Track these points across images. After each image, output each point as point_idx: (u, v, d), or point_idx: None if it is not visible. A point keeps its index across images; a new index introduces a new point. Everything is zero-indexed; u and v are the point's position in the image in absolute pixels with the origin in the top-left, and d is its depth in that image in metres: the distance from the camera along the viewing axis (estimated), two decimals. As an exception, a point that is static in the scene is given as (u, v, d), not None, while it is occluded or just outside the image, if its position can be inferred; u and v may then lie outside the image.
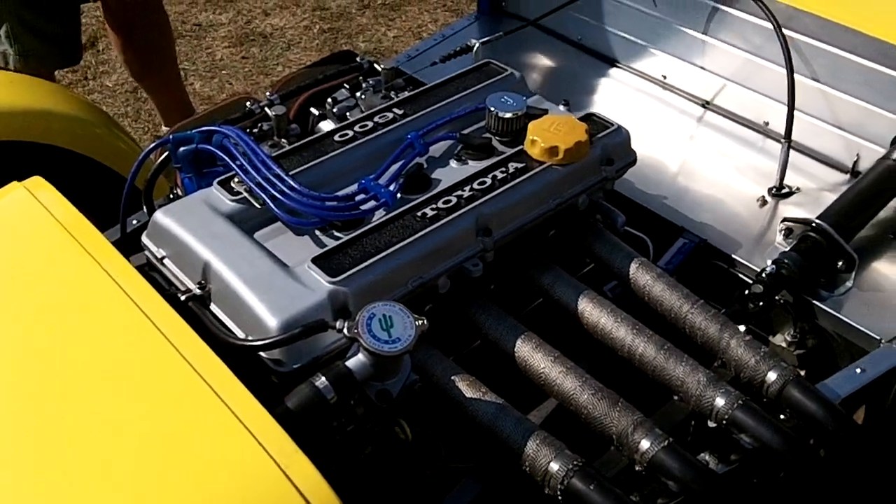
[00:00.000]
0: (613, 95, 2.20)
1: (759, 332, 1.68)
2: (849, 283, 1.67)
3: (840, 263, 1.66)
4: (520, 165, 1.58)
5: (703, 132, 2.09)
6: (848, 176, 1.94)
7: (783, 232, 1.72)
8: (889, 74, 1.83)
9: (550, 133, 1.59)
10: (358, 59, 1.96)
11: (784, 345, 1.69)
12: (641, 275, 1.59)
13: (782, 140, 1.88)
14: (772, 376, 1.44)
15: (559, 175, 1.59)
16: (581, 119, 1.68)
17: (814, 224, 1.67)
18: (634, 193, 1.85)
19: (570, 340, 1.55)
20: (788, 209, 1.86)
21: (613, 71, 2.27)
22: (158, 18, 3.11)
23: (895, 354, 1.55)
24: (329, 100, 1.87)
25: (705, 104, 2.14)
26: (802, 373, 1.65)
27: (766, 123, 2.04)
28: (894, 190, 1.81)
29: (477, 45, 2.08)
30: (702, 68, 2.13)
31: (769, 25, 1.91)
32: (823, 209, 1.73)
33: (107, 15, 3.05)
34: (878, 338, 1.58)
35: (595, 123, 1.69)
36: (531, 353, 1.46)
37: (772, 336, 1.71)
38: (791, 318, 1.67)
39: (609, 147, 1.66)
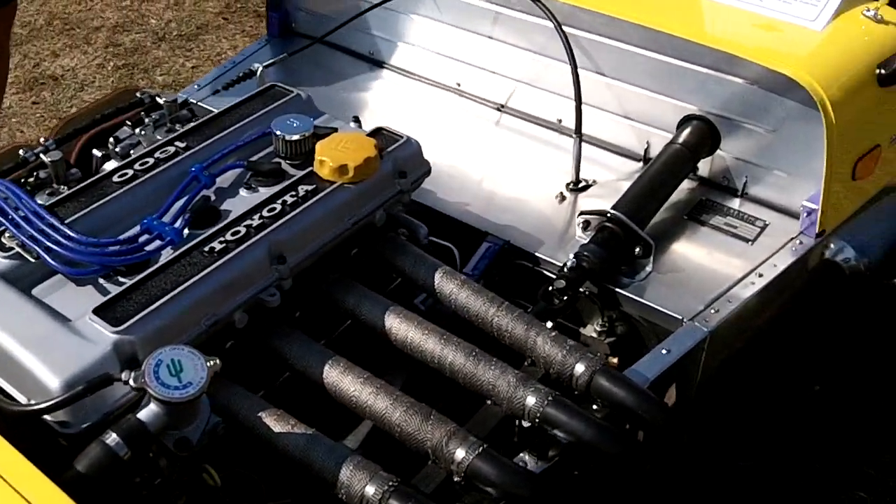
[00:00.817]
0: (409, 107, 2.19)
1: (570, 326, 1.71)
2: (648, 268, 1.72)
3: (638, 250, 1.71)
4: (310, 188, 1.54)
5: (501, 135, 2.12)
6: (641, 163, 2.00)
7: (581, 225, 1.75)
8: (670, 63, 1.89)
9: (339, 151, 1.57)
10: (138, 93, 1.88)
11: (594, 335, 1.72)
12: (446, 284, 1.58)
13: (574, 135, 1.92)
14: (579, 368, 1.46)
15: (351, 193, 1.57)
16: (370, 134, 1.66)
17: (609, 214, 1.71)
18: (436, 203, 1.85)
19: (387, 358, 1.53)
20: (587, 202, 1.89)
21: (407, 82, 2.26)
22: (4, 55, 2.88)
23: (698, 331, 1.60)
24: (111, 139, 1.78)
25: (500, 108, 2.17)
26: (615, 360, 1.68)
27: (560, 121, 2.08)
28: (683, 172, 1.88)
29: (260, 68, 2.03)
30: (494, 73, 2.15)
31: (552, 25, 1.95)
32: (619, 198, 1.77)
33: None
34: (679, 317, 1.63)
35: (384, 138, 1.67)
36: (340, 377, 1.43)
37: (582, 328, 1.74)
38: (598, 308, 1.70)
39: (400, 160, 1.65)
